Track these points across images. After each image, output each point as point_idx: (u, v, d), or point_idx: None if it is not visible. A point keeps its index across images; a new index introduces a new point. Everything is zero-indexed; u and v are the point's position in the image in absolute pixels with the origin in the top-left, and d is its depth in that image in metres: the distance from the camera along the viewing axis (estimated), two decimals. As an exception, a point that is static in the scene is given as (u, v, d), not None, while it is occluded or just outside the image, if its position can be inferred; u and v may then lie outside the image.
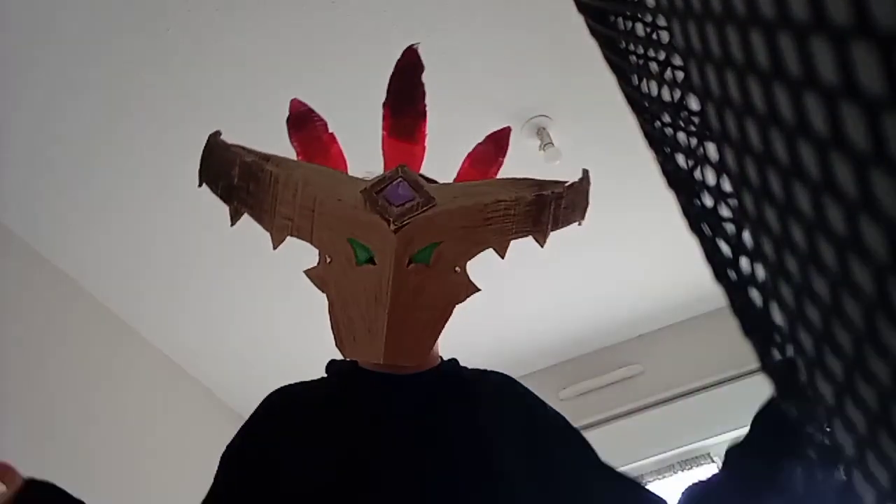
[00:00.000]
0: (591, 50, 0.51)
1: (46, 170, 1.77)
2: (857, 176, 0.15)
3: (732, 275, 0.28)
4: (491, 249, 0.83)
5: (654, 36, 0.33)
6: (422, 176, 0.85)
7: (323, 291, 0.81)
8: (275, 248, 0.80)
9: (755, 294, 0.26)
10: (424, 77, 0.90)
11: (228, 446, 0.81)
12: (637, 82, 0.36)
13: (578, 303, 2.54)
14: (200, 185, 0.81)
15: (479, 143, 0.97)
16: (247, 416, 0.85)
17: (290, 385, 0.85)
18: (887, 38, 0.13)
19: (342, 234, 0.78)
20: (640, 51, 0.35)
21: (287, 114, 0.91)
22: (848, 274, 0.17)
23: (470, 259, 0.82)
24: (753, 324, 0.27)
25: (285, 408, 0.82)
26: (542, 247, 0.86)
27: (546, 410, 0.85)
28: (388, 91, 0.90)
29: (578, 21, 0.47)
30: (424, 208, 0.77)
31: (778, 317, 0.24)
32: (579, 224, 0.90)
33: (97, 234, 1.96)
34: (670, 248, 2.28)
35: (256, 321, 2.41)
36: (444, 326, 0.81)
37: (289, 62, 1.65)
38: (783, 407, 0.28)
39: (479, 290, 0.82)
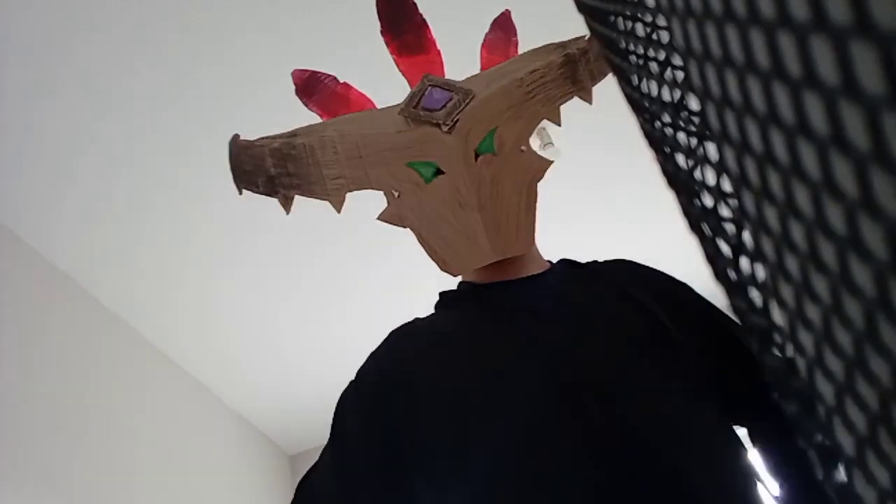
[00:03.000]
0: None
1: (47, 170, 1.77)
2: (857, 176, 0.15)
3: (732, 275, 0.28)
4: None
5: (654, 36, 0.33)
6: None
7: (404, 227, 0.77)
8: (338, 211, 0.77)
9: (755, 294, 0.26)
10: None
11: (365, 391, 0.69)
12: (637, 82, 0.36)
13: (578, 303, 2.54)
14: (241, 192, 0.77)
15: (487, 34, 0.95)
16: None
17: (410, 324, 0.75)
18: (887, 38, 0.13)
19: (399, 162, 0.75)
20: (640, 51, 0.35)
21: (294, 88, 0.89)
22: (848, 274, 0.17)
23: (532, 133, 0.81)
24: (753, 324, 0.27)
25: (430, 342, 0.72)
26: (589, 104, 0.85)
27: (682, 287, 0.79)
28: (379, 17, 0.87)
29: (578, 21, 0.47)
30: (466, 101, 0.76)
31: (778, 317, 0.24)
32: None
33: (97, 233, 1.96)
34: (670, 248, 2.28)
35: (257, 321, 2.41)
36: (536, 208, 0.77)
37: (288, 58, 1.65)
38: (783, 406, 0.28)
39: (552, 161, 0.80)
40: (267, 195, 0.78)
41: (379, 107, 0.87)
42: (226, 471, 2.48)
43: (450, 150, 0.74)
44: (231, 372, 2.58)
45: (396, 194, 0.76)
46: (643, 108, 0.37)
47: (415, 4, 0.88)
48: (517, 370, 0.63)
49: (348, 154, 0.76)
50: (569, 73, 0.84)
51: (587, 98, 0.85)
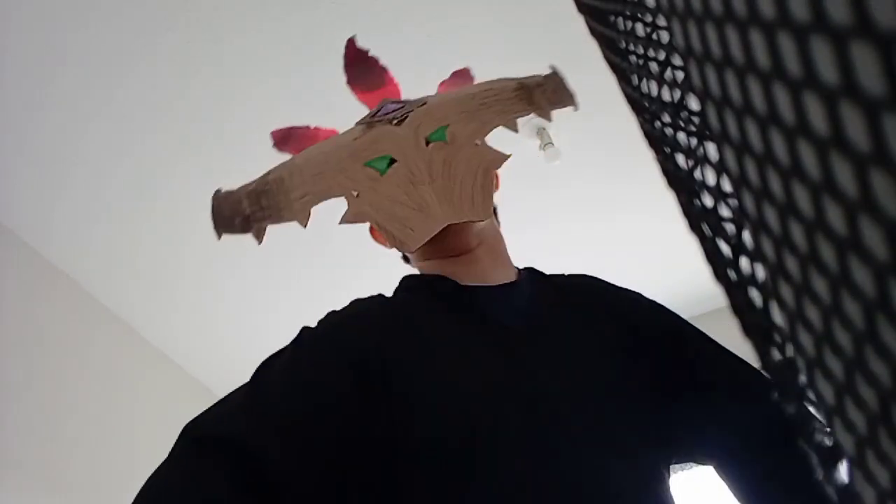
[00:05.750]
0: (590, 50, 0.51)
1: (47, 170, 1.77)
2: (857, 176, 0.15)
3: (732, 275, 0.28)
4: None
5: (654, 36, 0.33)
6: None
7: (365, 222, 0.77)
8: (304, 226, 0.79)
9: (755, 294, 0.26)
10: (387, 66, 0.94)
11: (311, 348, 0.60)
12: (637, 82, 0.36)
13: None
14: (219, 237, 0.80)
15: (444, 81, 1.01)
16: None
17: (371, 298, 0.71)
18: (887, 38, 0.13)
19: (356, 165, 0.78)
20: (640, 51, 0.35)
21: (273, 143, 0.93)
22: (848, 274, 0.17)
23: (485, 136, 0.81)
24: (753, 324, 0.27)
25: (392, 317, 0.66)
26: (549, 121, 0.87)
27: (646, 303, 0.78)
28: (346, 72, 0.92)
29: (578, 21, 0.47)
30: (415, 106, 0.82)
31: (778, 317, 0.24)
32: (575, 109, 0.92)
33: (97, 233, 1.96)
34: (669, 248, 2.28)
35: (257, 320, 2.41)
36: (493, 191, 0.77)
37: (288, 60, 1.65)
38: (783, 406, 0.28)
39: (510, 155, 0.80)
40: (242, 233, 0.81)
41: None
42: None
43: (400, 138, 0.78)
44: (231, 372, 2.58)
45: (355, 194, 0.78)
46: (643, 108, 0.37)
47: (375, 60, 0.93)
48: (501, 390, 0.60)
49: (312, 172, 0.80)
50: (524, 95, 0.87)
51: (546, 117, 0.87)
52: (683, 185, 0.32)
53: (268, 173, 0.84)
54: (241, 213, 0.81)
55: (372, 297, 0.72)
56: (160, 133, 1.76)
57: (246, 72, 1.68)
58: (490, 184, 0.77)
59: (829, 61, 0.15)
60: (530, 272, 0.81)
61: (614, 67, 0.42)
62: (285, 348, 0.62)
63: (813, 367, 0.21)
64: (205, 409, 0.56)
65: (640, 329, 0.72)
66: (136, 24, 1.53)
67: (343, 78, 0.93)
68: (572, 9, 0.47)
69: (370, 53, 0.93)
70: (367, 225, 0.79)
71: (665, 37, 0.32)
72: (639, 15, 0.34)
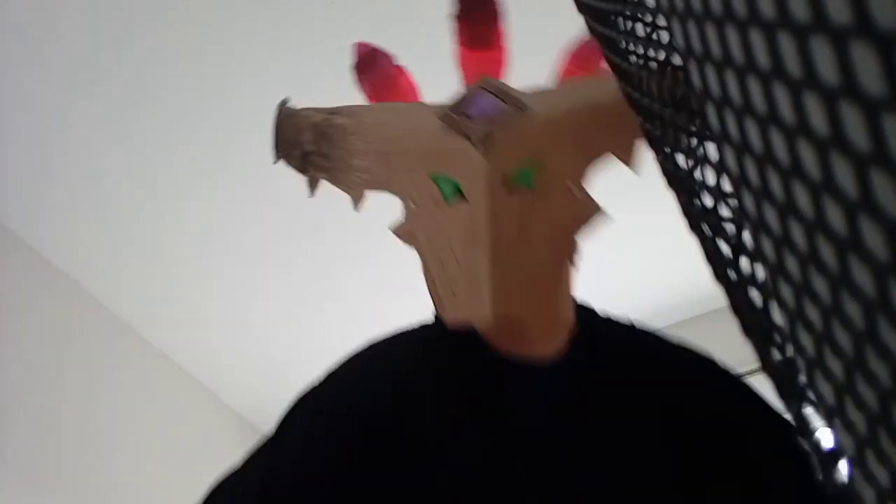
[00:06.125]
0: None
1: (47, 170, 1.77)
2: (857, 176, 0.15)
3: (732, 275, 0.28)
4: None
5: (654, 36, 0.33)
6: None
7: (412, 247, 0.65)
8: (356, 208, 0.67)
9: (755, 294, 0.26)
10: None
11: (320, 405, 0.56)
12: (637, 82, 0.36)
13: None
14: (276, 161, 0.69)
15: (577, 41, 0.78)
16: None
17: (382, 344, 0.61)
18: (887, 38, 0.13)
19: (423, 171, 0.62)
20: (640, 51, 0.35)
21: (353, 60, 0.79)
22: (848, 274, 0.17)
23: (585, 174, 0.63)
24: (753, 324, 0.27)
25: (391, 417, 0.54)
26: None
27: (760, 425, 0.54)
28: (457, 14, 0.75)
29: (578, 20, 0.47)
30: (515, 117, 0.60)
31: (778, 317, 0.24)
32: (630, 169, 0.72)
33: (98, 234, 1.96)
34: (669, 248, 2.28)
35: (258, 320, 2.41)
36: (570, 272, 0.61)
37: (278, 52, 1.65)
38: (784, 405, 0.28)
39: (602, 210, 0.63)
40: (298, 171, 0.70)
41: (425, 101, 0.76)
42: (220, 466, 2.47)
43: (475, 170, 0.59)
44: (232, 372, 2.58)
45: (414, 206, 0.64)
46: (643, 108, 0.37)
47: (496, 4, 0.74)
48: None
49: (378, 147, 0.66)
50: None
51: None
52: (683, 185, 0.32)
53: (334, 112, 0.69)
54: (301, 146, 0.68)
55: (375, 368, 0.60)
56: (174, 135, 1.76)
57: (241, 66, 1.68)
58: (568, 259, 0.61)
59: (829, 61, 0.15)
60: (586, 335, 0.61)
61: (614, 67, 0.42)
62: (292, 429, 0.57)
63: (813, 367, 0.21)
64: (228, 473, 0.57)
65: (695, 427, 0.55)
66: (128, 18, 1.53)
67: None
68: (572, 9, 0.47)
69: None
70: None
71: (665, 37, 0.32)
72: (639, 15, 0.34)
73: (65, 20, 1.49)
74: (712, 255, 0.30)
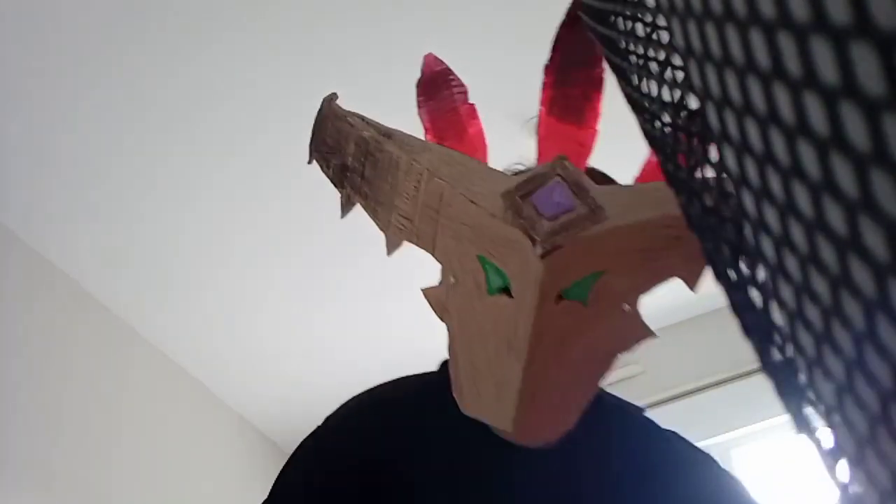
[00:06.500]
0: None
1: (47, 169, 1.77)
2: (857, 176, 0.15)
3: (732, 275, 0.28)
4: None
5: (654, 36, 0.33)
6: (592, 172, 0.64)
7: (442, 320, 0.61)
8: (389, 254, 0.61)
9: (755, 294, 0.26)
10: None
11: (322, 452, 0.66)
12: (637, 82, 0.36)
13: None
14: (310, 160, 0.64)
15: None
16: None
17: (398, 397, 0.66)
18: (887, 38, 0.13)
19: (472, 248, 0.57)
20: (640, 51, 0.35)
21: (419, 74, 0.71)
22: (848, 274, 0.17)
23: (646, 293, 0.59)
24: (753, 324, 0.27)
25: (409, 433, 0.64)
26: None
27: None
28: (554, 48, 0.66)
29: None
30: (588, 223, 0.52)
31: (778, 317, 0.24)
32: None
33: (98, 234, 1.96)
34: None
35: (258, 320, 2.41)
36: (598, 386, 0.60)
37: (278, 56, 1.65)
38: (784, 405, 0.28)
39: (653, 334, 0.61)
40: (333, 183, 0.64)
41: (491, 158, 0.72)
42: (220, 466, 2.48)
43: (531, 274, 0.53)
44: (232, 373, 2.58)
45: (453, 281, 0.60)
46: (643, 108, 0.37)
47: (599, 54, 0.63)
48: None
49: (427, 201, 0.59)
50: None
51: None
52: (683, 185, 0.32)
53: (388, 134, 0.63)
54: (343, 157, 0.63)
55: (373, 423, 0.66)
56: (177, 136, 1.76)
57: (241, 69, 1.68)
58: (601, 377, 0.60)
59: (829, 61, 0.15)
60: (589, 421, 0.60)
61: (614, 67, 0.42)
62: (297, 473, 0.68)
63: (813, 367, 0.21)
64: None
65: None
66: (129, 19, 1.53)
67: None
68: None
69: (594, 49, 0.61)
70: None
71: (665, 37, 0.32)
72: (639, 15, 0.34)
73: (65, 20, 1.49)
74: (712, 255, 0.30)
